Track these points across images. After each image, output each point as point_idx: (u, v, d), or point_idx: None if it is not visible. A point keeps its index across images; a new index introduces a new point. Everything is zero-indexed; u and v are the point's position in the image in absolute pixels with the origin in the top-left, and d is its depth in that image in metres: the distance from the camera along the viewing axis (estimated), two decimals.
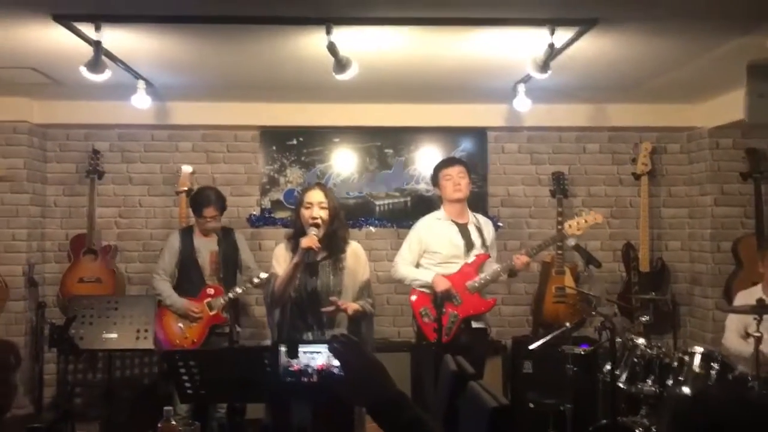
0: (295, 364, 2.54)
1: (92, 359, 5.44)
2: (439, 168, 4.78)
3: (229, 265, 5.04)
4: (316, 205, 3.90)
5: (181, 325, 4.95)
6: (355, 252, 4.02)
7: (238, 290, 4.88)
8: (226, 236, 5.05)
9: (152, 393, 5.04)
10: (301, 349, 2.56)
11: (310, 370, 2.54)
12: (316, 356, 2.54)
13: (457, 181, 4.66)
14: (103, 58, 3.72)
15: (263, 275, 4.64)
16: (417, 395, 4.84)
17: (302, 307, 3.88)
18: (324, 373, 2.51)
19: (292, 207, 5.82)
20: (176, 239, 5.11)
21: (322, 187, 4.06)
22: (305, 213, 3.91)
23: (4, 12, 3.50)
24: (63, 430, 4.43)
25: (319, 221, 3.87)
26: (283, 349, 2.57)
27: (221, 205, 5.07)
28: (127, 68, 4.44)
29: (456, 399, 2.85)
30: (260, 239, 5.84)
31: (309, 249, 3.79)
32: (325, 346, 2.48)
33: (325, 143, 5.98)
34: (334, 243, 3.93)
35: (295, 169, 5.95)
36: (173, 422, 2.85)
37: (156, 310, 4.75)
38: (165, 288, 5.02)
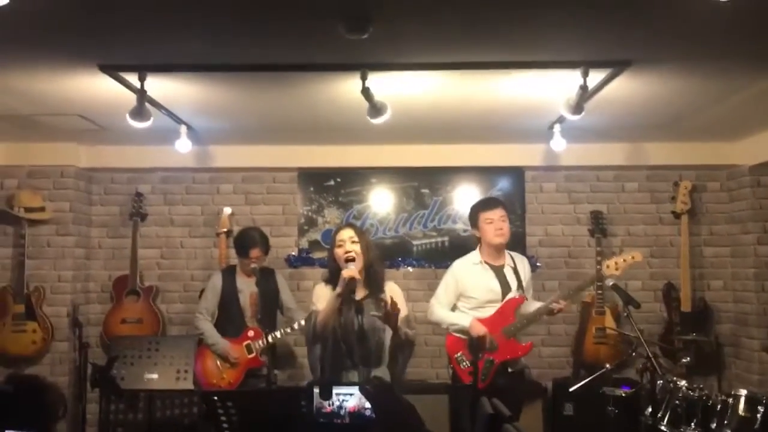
0: (328, 406, 2.57)
1: (134, 399, 5.48)
2: (479, 210, 4.71)
3: (269, 306, 5.08)
4: (348, 241, 4.02)
5: (219, 365, 5.01)
6: (393, 290, 4.14)
7: (278, 334, 4.91)
8: (266, 276, 5.09)
9: None
10: (334, 391, 2.59)
11: (342, 412, 2.57)
12: (349, 398, 2.57)
13: (499, 225, 4.61)
14: (147, 105, 3.85)
15: (303, 322, 4.69)
16: None
17: (350, 345, 3.93)
18: (356, 414, 2.53)
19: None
20: (219, 279, 5.19)
21: (352, 225, 4.24)
22: (338, 251, 4.03)
23: (53, 62, 3.65)
24: None
25: (353, 254, 3.96)
26: (316, 390, 2.60)
27: (266, 245, 5.15)
28: (170, 114, 4.57)
29: None
30: (299, 279, 5.89)
31: (351, 279, 3.86)
32: (357, 388, 2.51)
33: (363, 184, 6.04)
34: (373, 280, 4.02)
35: (332, 210, 6.02)
36: None
37: (196, 349, 4.81)
38: (208, 328, 5.08)
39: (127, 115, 3.80)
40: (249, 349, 5.00)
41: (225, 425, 3.20)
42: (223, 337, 5.06)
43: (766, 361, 5.26)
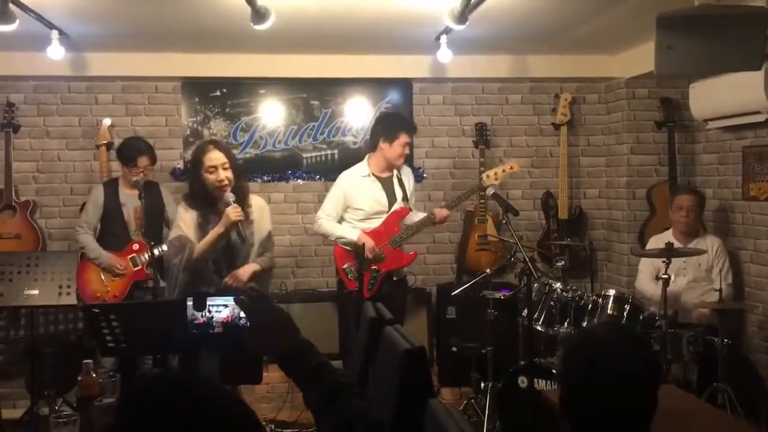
0: (201, 317, 2.58)
1: (14, 316, 5.35)
2: (402, 129, 4.73)
3: (154, 219, 5.00)
4: (220, 168, 3.88)
5: (103, 279, 4.93)
6: (259, 205, 4.10)
7: (164, 247, 4.84)
8: (150, 190, 4.99)
9: (78, 348, 5.00)
10: (208, 302, 2.59)
11: (214, 323, 2.59)
12: (222, 309, 2.58)
13: (407, 151, 4.75)
14: (12, 7, 3.60)
15: None
16: (344, 342, 4.96)
17: (218, 263, 3.93)
18: (229, 325, 2.56)
19: None
20: (100, 193, 5.05)
21: (219, 145, 4.02)
22: (210, 177, 3.87)
23: None
24: None
25: (226, 182, 3.88)
26: (189, 302, 2.60)
27: (153, 155, 5.04)
28: (39, 17, 4.29)
29: (374, 344, 2.96)
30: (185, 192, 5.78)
31: (237, 222, 3.82)
32: (231, 299, 2.53)
33: (250, 95, 5.91)
34: (240, 197, 3.96)
35: (219, 122, 5.88)
36: (94, 375, 2.87)
37: (77, 264, 4.70)
38: (89, 241, 4.98)
39: None
40: (134, 262, 4.95)
41: (108, 338, 3.18)
42: (107, 250, 4.98)
43: (634, 263, 5.62)
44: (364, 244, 4.56)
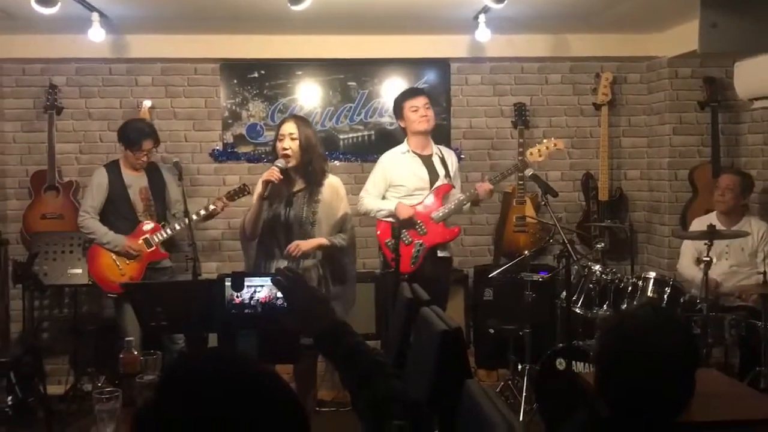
0: (237, 298, 2.61)
1: (58, 294, 5.47)
2: (402, 99, 4.78)
3: (160, 200, 4.98)
4: (287, 137, 4.01)
5: (117, 263, 4.78)
6: (333, 186, 4.11)
7: (177, 226, 4.79)
8: (154, 171, 4.99)
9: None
10: (246, 282, 2.62)
11: (253, 302, 2.62)
12: (261, 289, 2.61)
13: (423, 112, 4.70)
14: None
15: (212, 207, 4.85)
16: (382, 322, 4.97)
17: (277, 236, 4.02)
18: (267, 305, 2.59)
19: (255, 142, 5.86)
20: (104, 175, 4.90)
21: (297, 119, 4.18)
22: (278, 144, 4.05)
23: None
24: (30, 364, 4.50)
25: (289, 152, 3.97)
26: (227, 282, 2.63)
27: (157, 136, 4.96)
28: (80, 0, 4.35)
29: (410, 324, 2.96)
30: (224, 174, 5.84)
31: (269, 182, 3.88)
32: (269, 279, 2.56)
33: (288, 76, 5.92)
34: (309, 175, 4.04)
35: (257, 103, 5.90)
36: (135, 352, 2.92)
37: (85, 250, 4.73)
38: (99, 227, 4.80)
39: (32, 0, 3.61)
40: (148, 243, 4.82)
41: (148, 316, 3.24)
42: (117, 234, 4.83)
43: (675, 246, 5.53)
44: (402, 212, 4.55)
